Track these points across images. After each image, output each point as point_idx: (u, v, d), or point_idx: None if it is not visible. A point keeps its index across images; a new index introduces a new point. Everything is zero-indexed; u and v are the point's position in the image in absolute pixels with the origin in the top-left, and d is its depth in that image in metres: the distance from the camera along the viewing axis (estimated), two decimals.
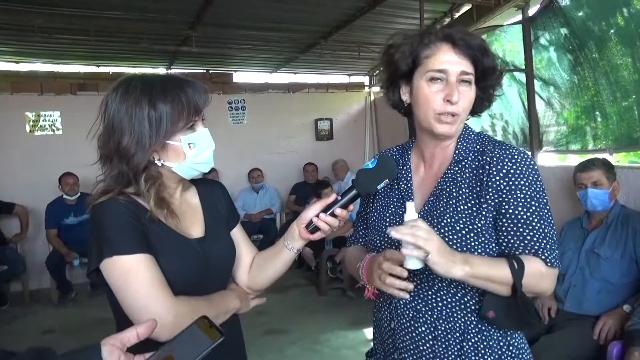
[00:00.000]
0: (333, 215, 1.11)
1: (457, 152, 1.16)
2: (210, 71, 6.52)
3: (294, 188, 6.29)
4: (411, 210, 0.98)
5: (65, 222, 5.07)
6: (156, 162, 1.09)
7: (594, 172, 2.58)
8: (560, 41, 3.55)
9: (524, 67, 3.88)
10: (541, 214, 1.08)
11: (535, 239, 1.06)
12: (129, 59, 5.90)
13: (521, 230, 1.07)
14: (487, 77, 1.15)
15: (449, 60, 1.09)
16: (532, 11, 3.81)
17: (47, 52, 5.48)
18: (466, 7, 4.51)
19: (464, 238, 1.07)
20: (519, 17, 3.92)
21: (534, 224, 1.07)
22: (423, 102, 1.12)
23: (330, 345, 3.71)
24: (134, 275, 1.00)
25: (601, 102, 3.28)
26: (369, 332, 3.89)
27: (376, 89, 7.05)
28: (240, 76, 6.82)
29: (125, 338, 0.75)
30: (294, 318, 4.28)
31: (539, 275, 1.05)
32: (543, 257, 1.06)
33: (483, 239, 1.08)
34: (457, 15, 4.61)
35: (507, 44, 4.25)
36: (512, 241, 1.08)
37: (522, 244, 1.07)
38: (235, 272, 1.27)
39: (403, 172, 1.23)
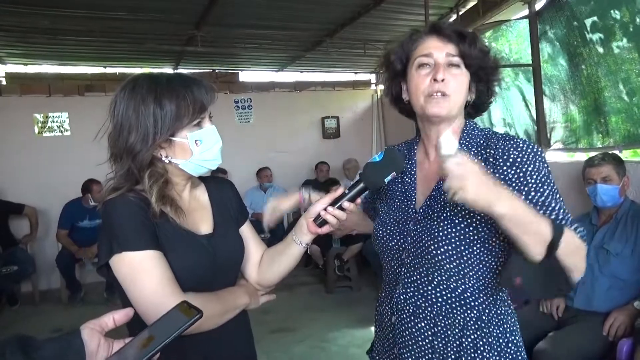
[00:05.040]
0: (341, 208, 1.11)
1: (459, 146, 1.13)
2: (216, 70, 6.55)
3: (305, 184, 6.29)
4: (445, 140, 0.93)
5: (80, 224, 5.07)
6: (163, 158, 1.10)
7: (603, 168, 2.54)
8: (566, 36, 3.52)
9: (530, 62, 3.85)
10: (556, 197, 1.05)
11: (560, 217, 1.02)
12: (136, 59, 5.94)
13: (541, 213, 1.01)
14: (480, 66, 1.14)
15: (434, 45, 1.13)
16: (538, 5, 3.78)
17: (54, 54, 5.53)
18: (472, 2, 4.48)
19: (462, 232, 1.07)
20: (526, 12, 3.89)
21: (552, 205, 1.03)
22: (414, 88, 1.15)
23: (337, 343, 3.70)
24: (142, 272, 1.01)
25: (608, 98, 3.25)
26: None
27: (383, 86, 7.04)
28: (247, 75, 6.84)
29: (104, 323, 0.78)
30: (301, 316, 4.29)
31: (574, 245, 0.98)
32: (573, 228, 1.01)
33: (483, 233, 1.07)
34: (463, 10, 4.58)
35: (513, 40, 4.21)
36: None
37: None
38: (245, 268, 1.28)
39: (409, 166, 1.24)
